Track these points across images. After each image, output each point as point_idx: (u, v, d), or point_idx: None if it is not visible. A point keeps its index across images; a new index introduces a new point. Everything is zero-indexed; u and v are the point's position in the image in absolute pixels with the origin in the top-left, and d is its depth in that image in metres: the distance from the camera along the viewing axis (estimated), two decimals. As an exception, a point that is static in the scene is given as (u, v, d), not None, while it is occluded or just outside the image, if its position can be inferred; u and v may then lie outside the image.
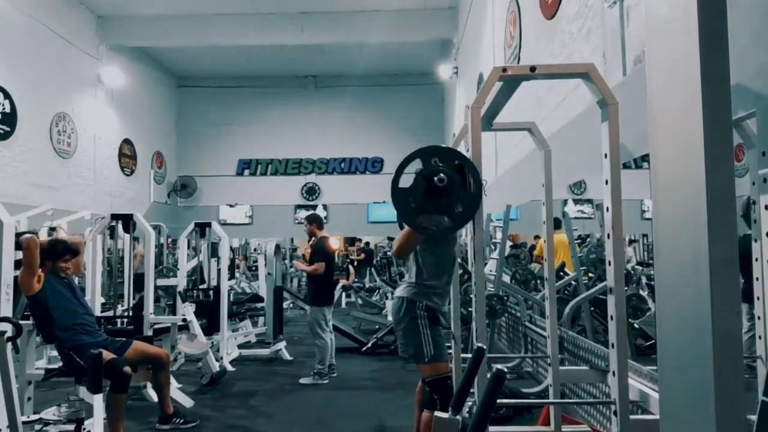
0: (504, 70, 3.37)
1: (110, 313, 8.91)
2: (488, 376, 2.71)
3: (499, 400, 2.73)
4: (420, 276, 5.42)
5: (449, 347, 5.31)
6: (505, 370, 2.61)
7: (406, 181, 3.76)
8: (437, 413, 3.03)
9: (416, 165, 3.82)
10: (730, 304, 1.50)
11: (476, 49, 14.03)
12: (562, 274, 9.78)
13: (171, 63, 22.46)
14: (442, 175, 3.74)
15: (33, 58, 14.52)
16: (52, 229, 11.08)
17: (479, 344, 3.26)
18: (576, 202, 10.65)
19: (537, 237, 12.62)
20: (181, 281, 11.04)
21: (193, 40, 18.87)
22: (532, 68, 3.33)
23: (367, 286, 22.07)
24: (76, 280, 7.45)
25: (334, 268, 10.43)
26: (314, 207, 23.02)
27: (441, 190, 3.76)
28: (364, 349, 11.68)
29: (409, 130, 23.00)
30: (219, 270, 11.20)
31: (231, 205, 23.16)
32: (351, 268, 21.25)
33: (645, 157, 4.56)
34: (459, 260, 5.83)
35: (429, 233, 4.19)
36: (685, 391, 1.67)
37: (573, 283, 9.27)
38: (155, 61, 21.77)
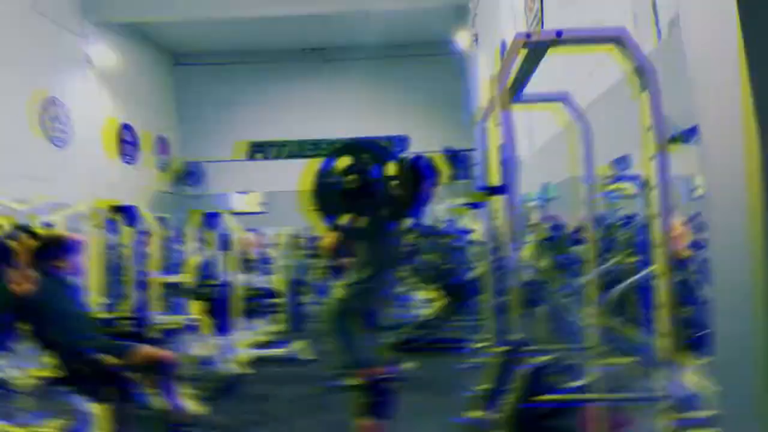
0: (528, 36, 3.34)
1: (112, 315, 8.93)
2: (525, 371, 2.71)
3: (537, 397, 2.72)
4: (355, 273, 5.41)
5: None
6: (544, 364, 2.60)
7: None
8: (469, 413, 3.02)
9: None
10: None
11: (494, 15, 13.97)
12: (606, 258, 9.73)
13: (164, 39, 22.54)
14: (356, 176, 3.79)
15: (15, 39, 14.55)
16: (47, 225, 11.11)
17: (516, 336, 3.25)
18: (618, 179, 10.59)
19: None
20: (189, 277, 11.04)
21: (184, 13, 18.84)
22: (558, 34, 3.30)
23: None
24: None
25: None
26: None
27: (361, 191, 3.80)
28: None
29: (430, 104, 23.00)
30: (230, 264, 11.19)
31: (243, 193, 23.21)
32: None
33: (694, 130, 4.53)
34: (493, 246, 5.80)
35: (344, 233, 4.25)
36: (743, 384, 1.64)
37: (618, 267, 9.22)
38: (147, 37, 21.84)
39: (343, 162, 4.12)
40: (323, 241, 9.61)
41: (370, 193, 3.93)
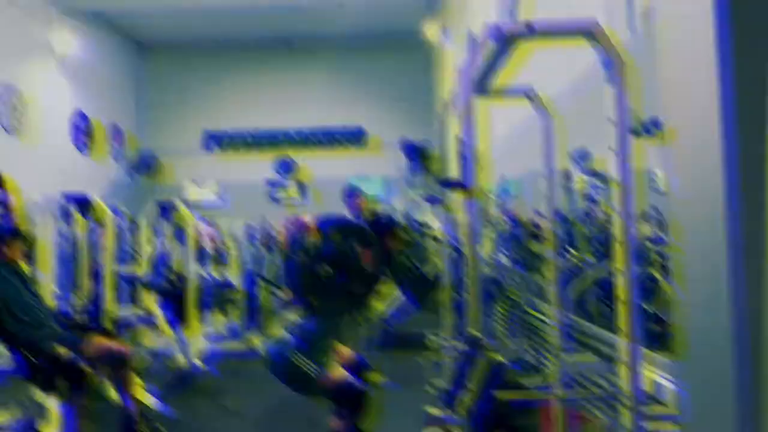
0: (498, 28, 3.34)
1: (66, 306, 8.87)
2: (485, 368, 2.71)
3: (497, 395, 2.73)
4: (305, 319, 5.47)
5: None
6: (504, 361, 2.61)
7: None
8: (429, 409, 3.02)
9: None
10: (755, 284, 1.49)
11: (466, 5, 14.00)
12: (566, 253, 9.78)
13: (130, 27, 22.39)
14: (327, 268, 3.85)
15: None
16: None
17: (474, 333, 3.26)
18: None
19: (539, 214, 12.63)
20: (143, 269, 11.00)
21: (154, 0, 18.82)
22: (529, 26, 3.31)
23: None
24: (27, 269, 7.41)
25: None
26: (291, 183, 23.05)
27: (335, 273, 3.87)
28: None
29: (395, 96, 23.05)
30: (186, 256, 11.13)
31: (197, 183, 23.14)
32: None
33: (657, 123, 4.55)
34: (452, 241, 5.83)
35: (327, 314, 4.33)
36: (703, 380, 1.66)
37: (579, 264, 9.27)
38: (113, 25, 21.66)
39: (315, 242, 4.23)
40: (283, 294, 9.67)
41: (342, 280, 4.04)
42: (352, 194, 9.83)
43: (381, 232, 5.54)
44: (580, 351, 6.93)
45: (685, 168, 1.69)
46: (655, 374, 4.17)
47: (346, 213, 21.56)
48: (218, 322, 12.68)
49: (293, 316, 5.50)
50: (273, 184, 23.55)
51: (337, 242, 4.23)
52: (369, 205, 10.13)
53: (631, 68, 3.24)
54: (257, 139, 23.74)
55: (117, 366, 7.04)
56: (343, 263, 4.18)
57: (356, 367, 5.72)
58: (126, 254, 15.17)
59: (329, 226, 4.28)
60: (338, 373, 5.24)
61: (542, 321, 8.37)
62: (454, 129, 10.05)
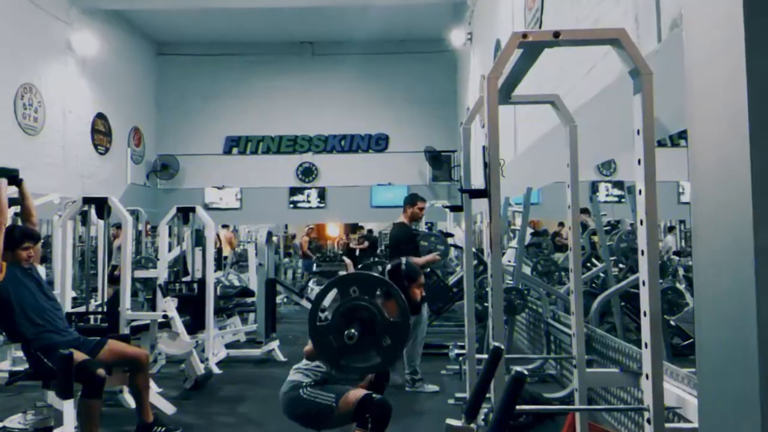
0: (524, 36, 3.35)
1: (82, 309, 8.89)
2: (506, 379, 2.71)
3: (518, 407, 2.73)
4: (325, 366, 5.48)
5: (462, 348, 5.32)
6: (526, 372, 2.61)
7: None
8: (449, 420, 3.02)
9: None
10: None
11: (493, 13, 14.01)
12: (589, 264, 9.77)
13: (150, 28, 22.44)
14: (353, 331, 3.87)
15: (2, 27, 14.52)
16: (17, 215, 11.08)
17: (496, 344, 3.26)
18: (605, 184, 10.63)
19: (561, 224, 12.60)
20: (161, 273, 11.02)
21: (175, 1, 18.88)
22: (556, 34, 3.32)
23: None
24: (43, 272, 7.45)
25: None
26: (311, 189, 23.08)
27: (361, 330, 3.88)
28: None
29: (418, 103, 23.05)
30: (204, 260, 11.13)
31: (218, 188, 23.19)
32: (346, 259, 20.85)
33: (683, 134, 4.55)
34: (474, 250, 5.84)
35: (355, 372, 4.34)
36: (726, 395, 1.66)
37: (602, 275, 9.26)
38: (132, 25, 21.71)
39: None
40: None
41: (371, 331, 4.08)
42: (411, 201, 9.74)
43: (404, 281, 5.58)
44: (602, 363, 6.93)
45: (709, 178, 1.69)
46: (679, 388, 4.16)
47: (386, 220, 21.59)
48: (235, 327, 12.70)
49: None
50: (294, 191, 23.56)
51: (358, 299, 4.22)
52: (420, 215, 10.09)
53: (657, 78, 3.24)
54: (278, 144, 23.76)
55: (133, 371, 7.06)
56: (365, 320, 4.19)
57: (377, 380, 5.74)
58: (144, 258, 15.23)
59: (348, 282, 4.27)
60: (357, 393, 5.25)
61: (565, 333, 8.37)
62: (478, 137, 10.08)
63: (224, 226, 23.25)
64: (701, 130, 1.72)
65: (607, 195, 10.59)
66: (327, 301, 4.39)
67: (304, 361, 5.54)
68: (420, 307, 6.25)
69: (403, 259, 5.91)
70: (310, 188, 23.44)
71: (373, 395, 5.17)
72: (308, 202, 23.58)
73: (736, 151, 1.53)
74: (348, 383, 5.46)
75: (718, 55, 1.62)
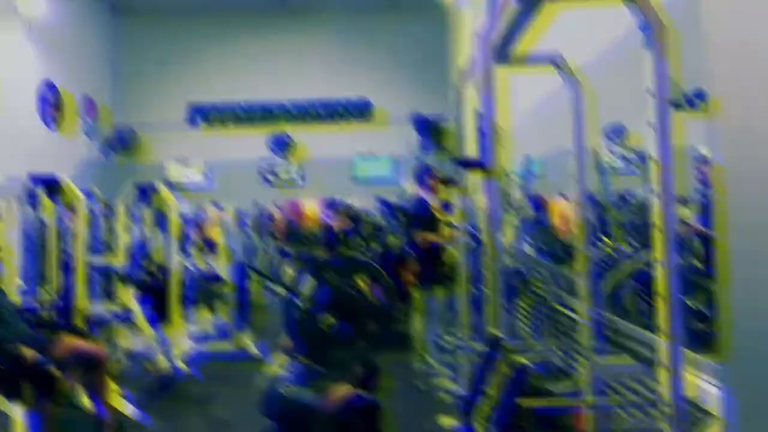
0: (521, -13, 3.34)
1: (32, 301, 8.87)
2: (507, 372, 2.71)
3: (520, 401, 2.73)
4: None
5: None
6: (529, 364, 2.61)
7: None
8: (443, 419, 3.02)
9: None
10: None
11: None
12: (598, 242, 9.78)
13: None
14: (330, 318, 3.90)
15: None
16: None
17: (494, 332, 3.26)
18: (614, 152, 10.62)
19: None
20: (120, 259, 10.99)
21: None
22: (558, -17, 3.30)
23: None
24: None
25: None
26: (287, 163, 23.07)
27: (343, 315, 3.90)
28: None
29: (404, 65, 23.04)
30: (168, 245, 11.08)
31: (181, 163, 23.15)
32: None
33: (700, 94, 4.55)
34: (468, 227, 5.83)
35: (341, 361, 4.36)
36: (756, 388, 1.65)
37: (612, 253, 9.27)
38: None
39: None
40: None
41: (352, 316, 4.10)
42: (425, 174, 9.66)
43: (391, 264, 5.57)
44: (614, 352, 6.93)
45: (734, 144, 1.68)
46: (699, 379, 4.16)
47: (386, 195, 21.62)
48: (204, 319, 12.68)
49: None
50: (266, 164, 23.54)
51: (336, 284, 4.22)
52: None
53: (673, 32, 3.22)
54: (249, 113, 23.73)
55: (89, 369, 7.03)
56: (345, 307, 4.19)
57: (366, 376, 5.71)
58: (100, 243, 15.18)
59: (328, 265, 4.28)
60: (341, 392, 5.21)
61: (571, 318, 8.38)
62: (471, 101, 10.03)
63: (186, 205, 23.25)
64: (725, 90, 1.70)
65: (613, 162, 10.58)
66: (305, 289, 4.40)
67: (282, 356, 5.51)
68: (409, 294, 6.20)
69: (394, 244, 5.91)
70: (285, 161, 23.42)
71: (361, 395, 5.15)
72: (283, 176, 23.56)
73: (761, 116, 1.51)
74: (333, 380, 5.43)
75: (742, 3, 1.61)
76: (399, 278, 5.43)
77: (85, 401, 7.85)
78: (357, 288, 4.24)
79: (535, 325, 10.64)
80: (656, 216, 3.20)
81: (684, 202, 10.65)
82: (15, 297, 8.50)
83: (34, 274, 9.52)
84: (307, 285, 4.37)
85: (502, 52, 4.16)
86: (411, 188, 17.22)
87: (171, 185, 20.56)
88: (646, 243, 8.69)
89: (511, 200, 12.55)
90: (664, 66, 3.14)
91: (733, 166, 1.71)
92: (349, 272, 4.27)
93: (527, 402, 6.32)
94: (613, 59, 6.47)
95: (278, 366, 5.50)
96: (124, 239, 11.42)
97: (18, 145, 17.28)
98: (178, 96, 23.41)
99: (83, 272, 8.45)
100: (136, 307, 9.12)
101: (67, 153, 19.99)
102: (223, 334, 12.28)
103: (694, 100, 5.16)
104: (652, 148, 3.19)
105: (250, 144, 23.35)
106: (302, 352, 5.04)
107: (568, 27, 8.19)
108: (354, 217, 25.31)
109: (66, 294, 8.57)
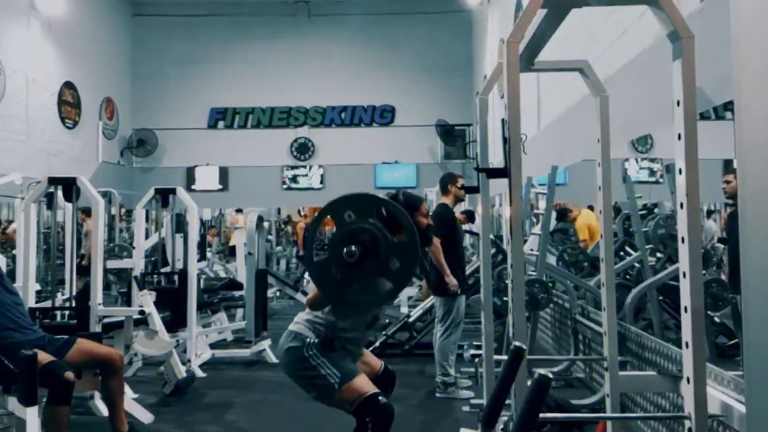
0: (548, -7, 3.34)
1: (48, 304, 8.89)
2: (528, 383, 2.71)
3: (541, 415, 2.73)
4: (329, 313, 5.38)
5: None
6: (551, 375, 2.61)
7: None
8: (463, 430, 3.02)
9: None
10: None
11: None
12: (622, 254, 9.75)
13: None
14: (353, 248, 3.86)
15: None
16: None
17: (517, 343, 3.26)
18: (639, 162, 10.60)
19: (591, 207, 12.58)
20: (137, 263, 10.99)
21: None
22: (585, -9, 3.31)
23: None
24: (3, 262, 7.43)
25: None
26: (308, 168, 23.06)
27: (365, 254, 3.86)
28: (371, 348, 11.62)
29: (428, 71, 23.00)
30: (186, 249, 11.08)
31: (201, 167, 23.17)
32: None
33: (729, 106, 4.54)
34: (492, 237, 5.83)
35: (368, 306, 4.33)
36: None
37: (636, 265, 9.25)
38: (104, -18, 21.66)
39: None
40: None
41: (375, 254, 4.06)
42: (452, 180, 9.52)
43: (406, 209, 5.47)
44: (638, 365, 6.93)
45: (760, 155, 1.69)
46: (724, 393, 4.16)
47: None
48: (222, 325, 12.69)
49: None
50: (287, 169, 23.54)
51: (355, 222, 4.19)
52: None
53: (699, 42, 3.23)
54: (270, 117, 23.71)
55: (105, 374, 7.05)
56: (369, 242, 4.16)
57: (383, 380, 5.71)
58: (117, 246, 15.24)
59: (341, 206, 4.23)
60: (364, 385, 5.21)
61: (595, 331, 8.37)
62: (496, 109, 10.07)
63: (238, 211, 23.31)
64: (750, 101, 1.71)
65: (638, 173, 10.54)
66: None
67: (307, 311, 5.47)
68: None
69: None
70: (306, 167, 23.41)
71: (380, 397, 5.14)
72: (304, 182, 23.56)
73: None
74: (357, 347, 5.46)
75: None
76: (417, 223, 5.36)
77: (100, 406, 7.88)
78: (376, 225, 4.21)
79: (557, 336, 10.64)
80: (681, 227, 3.20)
81: (709, 213, 10.66)
82: (30, 300, 8.52)
83: (50, 277, 9.53)
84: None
85: (529, 59, 4.17)
86: (433, 195, 17.23)
87: (190, 188, 20.67)
88: (671, 255, 8.70)
89: (536, 210, 12.56)
90: (690, 75, 3.15)
91: (756, 177, 1.72)
92: (365, 211, 4.23)
93: (549, 414, 6.33)
94: (641, 68, 6.46)
95: (302, 323, 5.42)
96: (141, 243, 11.41)
97: (36, 145, 17.34)
98: (198, 98, 23.40)
99: (100, 275, 8.46)
100: (152, 312, 9.12)
101: (85, 155, 20.03)
102: (240, 340, 12.28)
103: (721, 111, 5.15)
104: (678, 159, 3.20)
105: (271, 148, 23.33)
106: (327, 298, 4.96)
107: (596, 36, 8.21)
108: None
109: (82, 297, 8.59)
